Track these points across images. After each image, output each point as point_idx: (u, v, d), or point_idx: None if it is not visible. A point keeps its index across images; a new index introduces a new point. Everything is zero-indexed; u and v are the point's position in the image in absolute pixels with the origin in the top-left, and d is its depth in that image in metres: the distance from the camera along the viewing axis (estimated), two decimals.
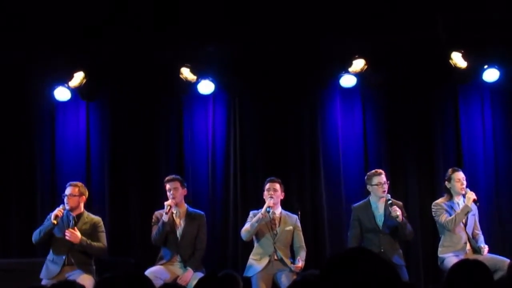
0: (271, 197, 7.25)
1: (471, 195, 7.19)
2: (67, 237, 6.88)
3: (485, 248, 7.20)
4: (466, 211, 7.16)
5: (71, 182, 7.20)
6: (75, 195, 7.08)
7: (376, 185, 7.32)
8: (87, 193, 7.25)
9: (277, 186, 7.35)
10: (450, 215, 7.21)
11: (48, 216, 7.06)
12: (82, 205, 7.16)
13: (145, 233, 7.76)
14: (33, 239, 7.09)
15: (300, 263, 7.17)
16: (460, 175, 7.33)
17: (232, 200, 8.46)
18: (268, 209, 7.18)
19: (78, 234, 6.92)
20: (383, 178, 7.34)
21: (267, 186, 7.36)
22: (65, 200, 7.06)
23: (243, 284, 4.88)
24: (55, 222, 6.88)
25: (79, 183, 7.22)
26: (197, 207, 7.62)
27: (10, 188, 8.52)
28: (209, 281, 4.25)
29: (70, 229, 6.91)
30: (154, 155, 8.61)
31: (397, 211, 7.13)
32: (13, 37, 7.97)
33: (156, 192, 8.11)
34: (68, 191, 7.10)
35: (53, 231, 6.99)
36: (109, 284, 3.28)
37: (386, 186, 7.32)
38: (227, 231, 8.44)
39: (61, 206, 7.00)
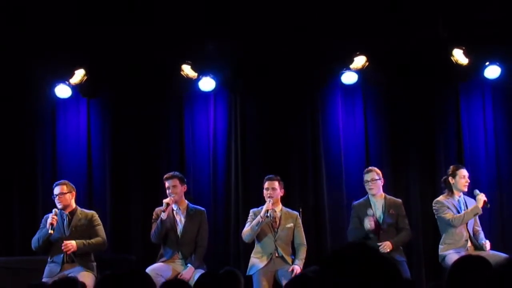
0: (270, 197, 7.19)
1: (482, 197, 7.16)
2: (64, 250, 6.87)
3: (487, 244, 7.19)
4: (476, 213, 7.14)
5: (57, 182, 7.21)
6: (64, 193, 7.05)
7: (365, 182, 7.37)
8: (75, 190, 7.22)
9: (276, 184, 7.29)
10: (453, 212, 7.20)
11: (43, 222, 7.07)
12: (73, 201, 7.14)
13: (146, 230, 7.75)
14: (32, 246, 7.09)
15: (298, 266, 7.14)
16: (464, 172, 7.34)
17: (233, 197, 8.43)
18: (267, 213, 7.13)
19: (73, 242, 6.90)
20: (370, 175, 7.36)
21: (266, 185, 7.29)
22: (56, 200, 7.05)
23: (245, 282, 4.87)
24: (51, 232, 6.89)
25: (65, 181, 7.20)
26: (198, 204, 7.60)
27: (12, 186, 8.49)
28: (210, 278, 4.24)
29: (65, 241, 6.88)
30: (156, 152, 8.59)
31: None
32: (13, 34, 7.96)
33: (157, 189, 8.07)
34: (57, 190, 7.08)
35: (51, 238, 6.98)
36: (110, 281, 3.28)
37: (371, 184, 7.33)
38: (228, 228, 8.42)
39: (53, 212, 6.99)
